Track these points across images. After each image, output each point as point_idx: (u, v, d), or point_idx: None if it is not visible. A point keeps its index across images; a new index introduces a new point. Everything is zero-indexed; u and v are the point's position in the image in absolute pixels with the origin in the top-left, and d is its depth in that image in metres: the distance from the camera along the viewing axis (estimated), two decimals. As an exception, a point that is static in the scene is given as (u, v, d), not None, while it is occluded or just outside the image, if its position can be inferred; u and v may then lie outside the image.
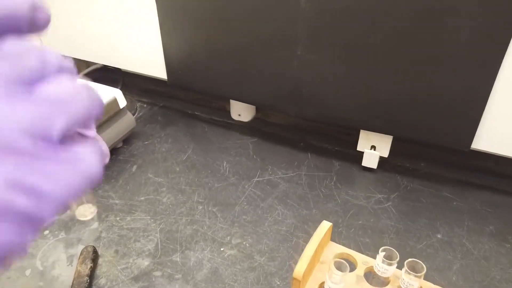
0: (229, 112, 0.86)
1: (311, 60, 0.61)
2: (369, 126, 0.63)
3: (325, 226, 0.44)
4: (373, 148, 0.68)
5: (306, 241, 0.57)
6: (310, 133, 0.81)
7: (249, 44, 0.64)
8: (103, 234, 0.59)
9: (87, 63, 0.92)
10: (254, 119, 0.85)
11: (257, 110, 0.86)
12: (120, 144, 0.77)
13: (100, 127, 0.69)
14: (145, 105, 0.90)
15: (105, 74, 0.94)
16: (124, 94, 0.74)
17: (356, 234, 0.59)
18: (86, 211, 0.33)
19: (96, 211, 0.33)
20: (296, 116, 0.68)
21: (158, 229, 0.60)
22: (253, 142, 0.79)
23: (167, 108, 0.89)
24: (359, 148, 0.69)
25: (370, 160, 0.68)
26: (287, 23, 0.59)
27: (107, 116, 0.70)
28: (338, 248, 0.45)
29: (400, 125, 0.61)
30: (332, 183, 0.69)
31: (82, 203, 0.32)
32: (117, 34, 0.79)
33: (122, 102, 0.73)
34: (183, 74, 0.75)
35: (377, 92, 0.59)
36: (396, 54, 0.55)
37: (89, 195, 0.32)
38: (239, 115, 0.84)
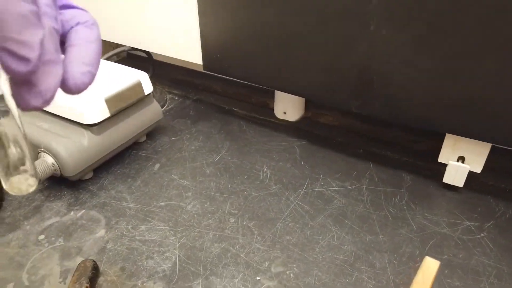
0: (272, 109, 0.73)
1: (386, 39, 0.46)
2: (462, 130, 0.48)
3: (432, 266, 0.29)
4: (461, 160, 0.52)
5: (373, 278, 0.42)
6: (371, 138, 0.66)
7: (302, 21, 0.51)
8: (110, 245, 0.47)
9: (113, 46, 0.82)
10: (302, 119, 0.71)
11: (306, 108, 0.72)
12: (144, 139, 0.65)
13: (120, 114, 0.58)
14: (176, 98, 0.79)
15: (134, 62, 0.83)
16: (153, 84, 0.63)
17: (442, 274, 0.43)
18: (22, 183, 0.20)
19: (36, 184, 0.20)
20: (358, 111, 0.53)
21: (178, 244, 0.47)
22: (301, 145, 0.65)
23: (201, 102, 0.77)
24: (441, 159, 0.53)
25: (456, 175, 0.52)
26: (360, -13, 0.45)
27: (128, 102, 0.58)
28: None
29: (506, 130, 0.45)
30: (403, 202, 0.53)
31: (17, 171, 0.20)
32: (146, 12, 0.68)
33: (148, 88, 0.61)
34: (222, 59, 0.62)
35: (475, 85, 0.44)
36: (504, 36, 0.40)
37: (27, 160, 0.20)
38: (285, 113, 0.70)
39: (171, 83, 0.83)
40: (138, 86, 0.59)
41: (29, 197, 0.54)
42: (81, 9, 0.24)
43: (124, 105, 0.57)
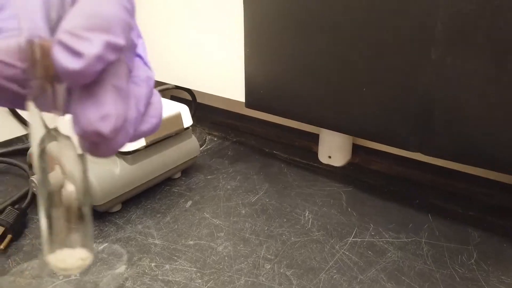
0: (316, 153, 0.68)
1: (452, 67, 0.42)
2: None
3: None
4: (544, 213, 0.44)
5: None
6: (429, 188, 0.59)
7: (355, 51, 0.48)
8: (128, 283, 0.41)
9: (158, 84, 0.83)
10: (349, 164, 0.66)
11: (354, 152, 0.66)
12: (178, 175, 0.61)
13: (156, 145, 0.55)
14: (215, 139, 0.76)
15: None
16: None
17: None
18: (70, 258, 0.15)
19: (88, 261, 0.15)
20: (418, 150, 0.47)
21: (204, 288, 0.41)
22: (347, 191, 0.58)
23: (240, 144, 0.74)
24: (518, 212, 0.45)
25: (538, 232, 0.43)
26: (418, 10, 0.42)
27: (166, 133, 0.56)
28: None
29: None
30: (472, 260, 0.45)
31: (62, 244, 0.15)
32: (191, 52, 0.68)
33: (188, 121, 0.59)
34: (265, 95, 0.60)
35: None
36: None
37: (85, 235, 0.17)
38: (330, 157, 0.65)
39: (211, 125, 0.81)
40: (178, 118, 0.57)
41: (53, 226, 0.50)
42: (146, 63, 0.20)
43: (161, 135, 0.55)
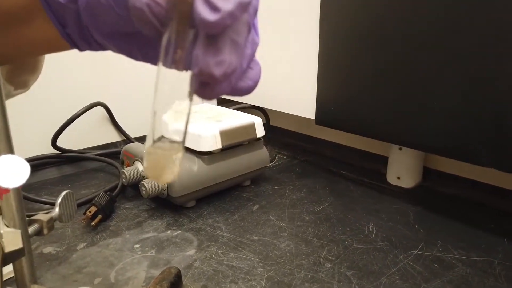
0: (384, 175, 0.68)
1: (529, 79, 0.41)
2: None
3: None
4: None
5: None
6: (506, 213, 0.56)
7: (427, 61, 0.49)
8: (197, 264, 0.45)
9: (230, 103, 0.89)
10: (419, 187, 0.64)
11: (425, 174, 0.65)
12: (248, 183, 0.65)
13: (230, 150, 0.60)
14: (284, 157, 0.79)
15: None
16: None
17: None
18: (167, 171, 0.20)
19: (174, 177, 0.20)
20: (492, 166, 0.46)
21: (265, 276, 0.43)
22: (416, 211, 0.57)
23: (308, 163, 0.76)
24: None
25: None
26: (496, 24, 0.42)
27: (240, 140, 0.60)
28: None
29: None
30: (554, 284, 0.41)
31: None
32: (265, 72, 0.74)
33: (260, 131, 0.63)
34: (336, 112, 0.62)
35: None
36: None
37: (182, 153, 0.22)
38: (399, 178, 0.65)
39: (282, 146, 0.85)
40: (251, 127, 0.62)
41: (135, 213, 0.56)
42: (255, 30, 0.22)
43: (235, 141, 0.60)
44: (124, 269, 0.44)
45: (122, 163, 0.65)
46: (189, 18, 0.18)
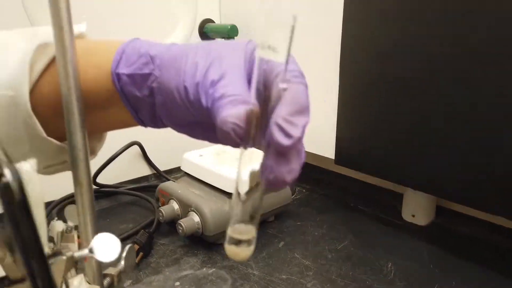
0: (400, 211, 0.72)
1: (533, 140, 0.46)
2: None
3: None
4: None
5: None
6: (515, 254, 0.60)
7: (440, 115, 0.54)
8: (232, 303, 0.50)
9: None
10: (432, 224, 0.69)
11: (438, 213, 0.70)
12: (272, 218, 0.70)
13: (253, 191, 0.65)
14: (304, 190, 0.84)
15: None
16: None
17: None
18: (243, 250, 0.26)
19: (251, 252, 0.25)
20: (502, 214, 0.50)
21: (296, 315, 0.48)
22: (430, 249, 0.62)
23: (327, 197, 0.81)
24: None
25: None
26: (502, 83, 0.47)
27: (267, 181, 0.66)
28: None
29: None
30: (559, 328, 0.45)
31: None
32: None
33: (285, 172, 0.68)
34: (354, 153, 0.67)
35: None
36: None
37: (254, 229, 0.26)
38: (413, 215, 0.69)
39: (301, 178, 0.90)
40: (277, 169, 0.67)
41: (172, 250, 0.62)
42: None
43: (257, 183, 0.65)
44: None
45: (157, 200, 0.70)
46: (261, 135, 0.23)
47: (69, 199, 0.71)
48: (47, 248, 0.29)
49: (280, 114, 0.22)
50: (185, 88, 0.24)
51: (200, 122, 0.27)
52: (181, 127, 0.29)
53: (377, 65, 0.61)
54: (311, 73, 0.75)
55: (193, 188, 0.66)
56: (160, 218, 0.64)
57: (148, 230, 0.63)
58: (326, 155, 0.74)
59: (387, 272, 0.56)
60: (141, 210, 0.75)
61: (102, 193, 0.78)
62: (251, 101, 0.23)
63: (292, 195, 0.81)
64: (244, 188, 0.26)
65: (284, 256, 0.60)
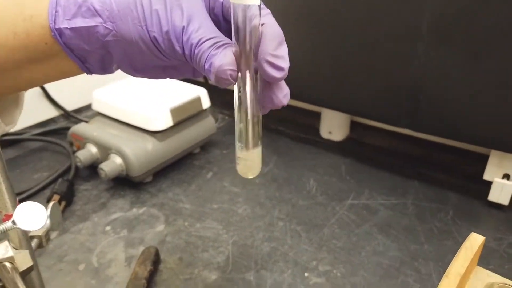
0: (318, 129, 0.77)
1: (435, 59, 0.50)
2: (506, 145, 0.50)
3: (476, 240, 0.31)
4: (506, 177, 0.53)
5: (418, 282, 0.44)
6: (417, 159, 0.68)
7: (354, 44, 0.56)
8: (168, 238, 0.51)
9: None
10: (347, 139, 0.75)
11: (352, 129, 0.75)
12: (198, 150, 0.70)
13: (180, 125, 0.63)
14: (226, 117, 0.84)
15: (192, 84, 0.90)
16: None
17: (489, 283, 0.44)
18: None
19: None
20: (408, 127, 0.56)
21: (231, 241, 0.50)
22: (346, 162, 0.67)
23: (250, 122, 0.82)
24: (486, 177, 0.55)
25: (501, 193, 0.53)
26: (408, 12, 0.50)
27: (188, 114, 0.64)
28: (491, 277, 0.31)
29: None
30: (449, 217, 0.54)
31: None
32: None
33: (206, 103, 0.67)
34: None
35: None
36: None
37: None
38: (330, 132, 0.74)
39: (223, 104, 0.89)
40: (198, 100, 0.65)
41: (96, 194, 0.59)
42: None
43: (185, 116, 0.63)
44: (103, 252, 0.49)
45: (71, 144, 0.65)
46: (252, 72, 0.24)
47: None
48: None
49: (266, 50, 0.23)
50: (154, 38, 0.23)
51: (168, 66, 0.27)
52: (143, 73, 0.27)
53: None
54: None
55: (109, 129, 0.62)
56: (79, 164, 0.60)
57: (66, 178, 0.59)
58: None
59: (309, 189, 0.61)
60: (53, 155, 0.70)
61: (5, 142, 0.70)
62: (231, 42, 0.23)
63: (216, 123, 0.81)
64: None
65: (213, 186, 0.61)
